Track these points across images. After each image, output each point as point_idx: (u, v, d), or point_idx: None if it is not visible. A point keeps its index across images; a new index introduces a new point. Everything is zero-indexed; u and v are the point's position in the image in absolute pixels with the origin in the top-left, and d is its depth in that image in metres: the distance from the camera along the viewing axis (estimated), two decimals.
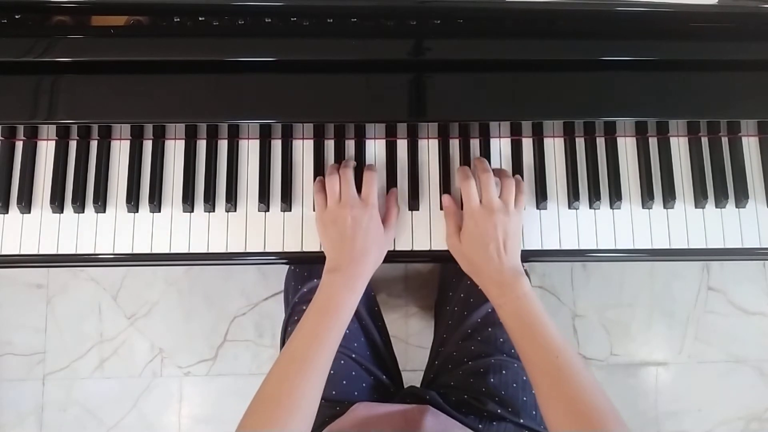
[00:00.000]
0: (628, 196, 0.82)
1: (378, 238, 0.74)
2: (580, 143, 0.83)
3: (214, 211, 0.80)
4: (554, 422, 0.62)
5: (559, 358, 0.64)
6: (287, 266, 1.00)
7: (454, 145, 0.83)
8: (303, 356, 0.66)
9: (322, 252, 0.76)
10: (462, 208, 0.76)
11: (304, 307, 0.78)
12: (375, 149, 0.83)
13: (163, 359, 1.47)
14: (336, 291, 0.71)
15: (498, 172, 0.78)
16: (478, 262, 0.73)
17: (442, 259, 0.82)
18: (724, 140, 0.83)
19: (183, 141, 0.82)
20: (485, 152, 0.82)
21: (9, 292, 1.49)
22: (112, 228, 0.80)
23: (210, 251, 0.80)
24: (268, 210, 0.81)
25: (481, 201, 0.74)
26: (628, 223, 0.81)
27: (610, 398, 0.62)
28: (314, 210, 0.79)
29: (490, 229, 0.72)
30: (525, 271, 0.74)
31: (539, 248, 0.80)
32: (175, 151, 0.82)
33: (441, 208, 0.81)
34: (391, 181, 0.81)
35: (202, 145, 0.82)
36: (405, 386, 0.94)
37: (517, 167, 0.82)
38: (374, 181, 0.75)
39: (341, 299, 0.70)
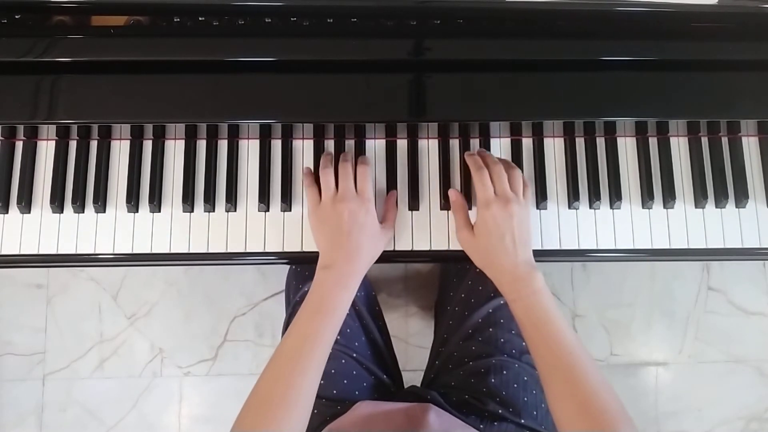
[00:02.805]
0: (628, 196, 0.82)
1: (374, 235, 0.73)
2: (580, 143, 0.83)
3: (214, 211, 0.80)
4: (564, 421, 0.62)
5: (572, 356, 0.64)
6: (287, 266, 1.00)
7: (454, 145, 0.83)
8: (297, 355, 0.65)
9: None
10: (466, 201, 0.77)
11: None
12: (375, 149, 0.83)
13: (163, 359, 1.47)
14: (329, 289, 0.70)
15: (502, 163, 0.78)
16: (493, 255, 0.71)
17: (442, 259, 0.83)
18: (724, 140, 0.83)
19: (183, 141, 0.82)
20: None
21: (9, 292, 1.49)
22: (112, 228, 0.80)
23: (210, 251, 0.80)
24: (268, 210, 0.81)
25: (495, 192, 0.73)
26: (628, 223, 0.81)
27: (619, 398, 0.62)
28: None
29: (506, 220, 0.70)
30: None
31: (539, 248, 0.80)
32: (175, 151, 0.82)
33: (441, 208, 0.81)
34: (391, 181, 0.81)
35: (202, 145, 0.82)
36: (405, 386, 0.94)
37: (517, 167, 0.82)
38: (368, 175, 0.75)
39: (335, 297, 0.69)
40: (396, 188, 0.81)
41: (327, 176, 0.74)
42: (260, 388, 0.64)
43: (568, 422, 0.61)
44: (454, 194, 0.78)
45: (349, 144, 0.82)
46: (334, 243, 0.72)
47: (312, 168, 0.80)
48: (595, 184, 0.81)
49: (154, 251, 0.80)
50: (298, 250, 0.80)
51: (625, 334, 1.50)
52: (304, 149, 0.82)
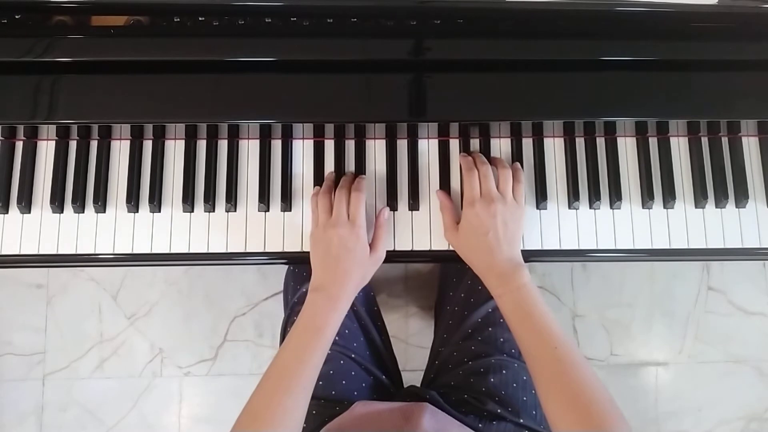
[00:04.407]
0: (628, 196, 0.82)
1: (362, 261, 0.74)
2: (580, 143, 0.83)
3: (214, 211, 0.80)
4: (554, 415, 0.62)
5: (558, 350, 0.64)
6: (287, 266, 1.00)
7: (454, 145, 0.83)
8: (289, 373, 0.68)
9: None
10: (454, 202, 0.79)
11: None
12: (375, 149, 0.83)
13: (163, 359, 1.47)
14: (319, 310, 0.72)
15: (495, 162, 0.80)
16: (477, 252, 0.74)
17: (442, 259, 0.83)
18: (724, 140, 0.83)
19: (183, 141, 0.82)
20: (485, 152, 0.82)
21: (9, 292, 1.49)
22: (112, 228, 0.80)
23: (210, 251, 0.80)
24: (268, 210, 0.81)
25: (480, 192, 0.75)
26: (628, 223, 0.81)
27: (608, 391, 0.62)
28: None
29: (488, 219, 0.73)
30: None
31: (539, 248, 0.80)
32: (175, 151, 0.82)
33: (441, 209, 0.81)
34: (391, 181, 0.81)
35: (202, 145, 0.82)
36: (405, 386, 0.94)
37: None
38: (361, 202, 0.76)
39: (324, 318, 0.71)
40: (396, 189, 0.81)
41: (323, 201, 0.77)
42: (252, 404, 0.66)
43: (557, 415, 0.62)
44: (440, 195, 0.80)
45: (349, 144, 0.82)
46: (324, 266, 0.74)
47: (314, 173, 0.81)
48: (595, 184, 0.81)
49: (154, 251, 0.80)
50: (298, 250, 0.80)
51: (625, 334, 1.50)
52: (304, 149, 0.82)
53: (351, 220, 0.75)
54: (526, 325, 0.68)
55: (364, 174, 0.81)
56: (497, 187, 0.76)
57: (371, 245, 0.76)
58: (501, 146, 0.83)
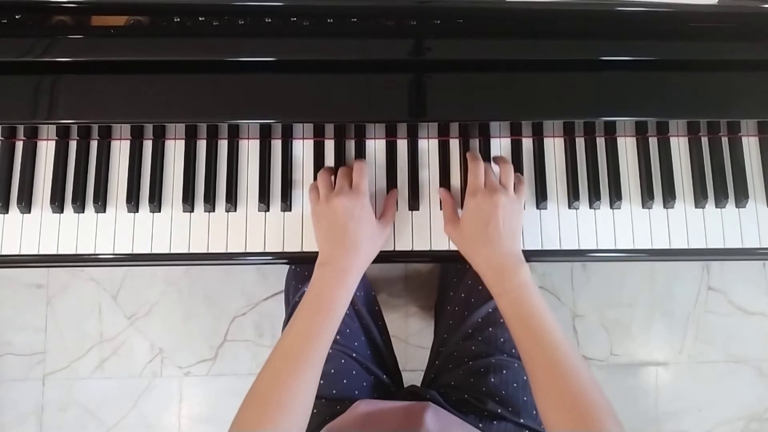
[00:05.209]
0: (628, 196, 0.82)
1: (370, 230, 0.73)
2: (580, 143, 0.83)
3: (214, 211, 0.80)
4: (551, 416, 0.62)
5: (558, 352, 0.64)
6: (287, 266, 1.00)
7: (454, 145, 0.83)
8: (295, 354, 0.65)
9: None
10: (455, 199, 0.79)
11: None
12: (375, 149, 0.83)
13: (163, 359, 1.47)
14: (327, 286, 0.70)
15: (498, 159, 0.80)
16: (476, 244, 0.72)
17: (442, 259, 0.83)
18: (724, 140, 0.83)
19: (183, 141, 0.82)
20: (485, 152, 0.82)
21: (9, 292, 1.49)
22: (112, 228, 0.80)
23: (210, 251, 0.80)
24: (268, 210, 0.81)
25: (484, 183, 0.74)
26: (628, 223, 0.81)
27: (604, 394, 0.62)
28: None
29: (491, 209, 0.71)
30: None
31: (539, 248, 0.80)
32: (175, 151, 0.82)
33: (441, 208, 0.81)
34: (391, 181, 0.81)
35: (202, 145, 0.82)
36: (405, 386, 0.94)
37: (517, 167, 0.82)
38: (364, 171, 0.75)
39: (332, 295, 0.69)
40: (396, 188, 0.81)
41: (324, 175, 0.76)
42: (258, 388, 0.64)
43: (554, 418, 0.61)
44: (442, 192, 0.80)
45: (349, 144, 0.83)
46: (331, 238, 0.72)
47: (314, 173, 0.81)
48: (595, 184, 0.81)
49: (154, 251, 0.80)
50: (298, 250, 0.80)
51: (625, 334, 1.50)
52: (304, 149, 0.82)
53: (354, 188, 0.73)
54: (525, 325, 0.67)
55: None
56: (500, 180, 0.75)
57: (380, 216, 0.75)
58: (501, 146, 0.83)
